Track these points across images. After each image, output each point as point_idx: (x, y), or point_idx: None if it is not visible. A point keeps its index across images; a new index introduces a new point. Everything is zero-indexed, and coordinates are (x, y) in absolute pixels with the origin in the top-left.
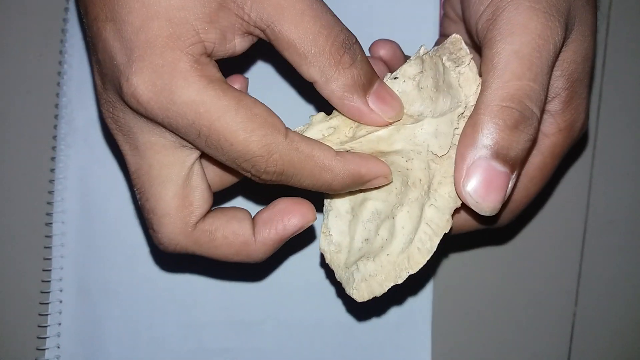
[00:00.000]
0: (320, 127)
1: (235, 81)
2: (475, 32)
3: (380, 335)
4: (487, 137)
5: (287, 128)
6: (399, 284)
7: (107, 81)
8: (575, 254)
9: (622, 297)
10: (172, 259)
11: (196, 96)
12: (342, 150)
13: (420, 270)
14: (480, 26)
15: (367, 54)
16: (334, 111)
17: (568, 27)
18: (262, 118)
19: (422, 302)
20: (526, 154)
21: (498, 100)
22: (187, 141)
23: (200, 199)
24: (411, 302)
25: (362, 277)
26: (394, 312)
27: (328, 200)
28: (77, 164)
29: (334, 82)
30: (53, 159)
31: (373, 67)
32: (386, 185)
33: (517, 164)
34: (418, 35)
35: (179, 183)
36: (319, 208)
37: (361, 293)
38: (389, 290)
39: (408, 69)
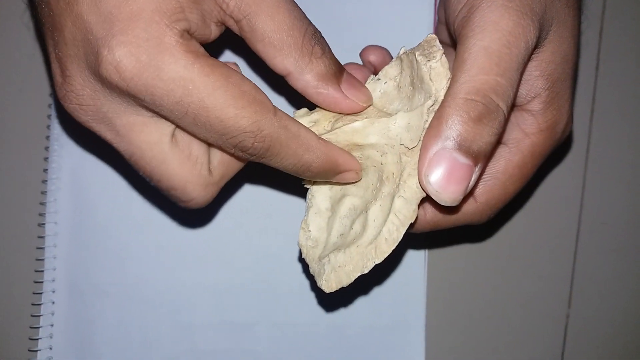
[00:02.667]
0: (302, 121)
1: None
2: (453, 31)
3: (374, 338)
4: (451, 129)
5: (274, 106)
6: (365, 274)
7: (74, 62)
8: (569, 255)
9: (615, 299)
10: (166, 259)
11: (184, 72)
12: None
13: (385, 259)
14: (457, 25)
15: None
16: (317, 107)
17: (544, 28)
18: (251, 95)
19: (415, 305)
20: (491, 148)
21: (463, 94)
22: (168, 119)
23: (198, 148)
24: (404, 304)
25: (332, 268)
26: (387, 314)
27: (310, 197)
28: (70, 164)
29: (308, 72)
30: (46, 159)
31: (363, 71)
32: (362, 181)
33: (480, 157)
34: (412, 39)
35: (177, 151)
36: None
37: (330, 284)
38: (383, 288)
39: (389, 70)
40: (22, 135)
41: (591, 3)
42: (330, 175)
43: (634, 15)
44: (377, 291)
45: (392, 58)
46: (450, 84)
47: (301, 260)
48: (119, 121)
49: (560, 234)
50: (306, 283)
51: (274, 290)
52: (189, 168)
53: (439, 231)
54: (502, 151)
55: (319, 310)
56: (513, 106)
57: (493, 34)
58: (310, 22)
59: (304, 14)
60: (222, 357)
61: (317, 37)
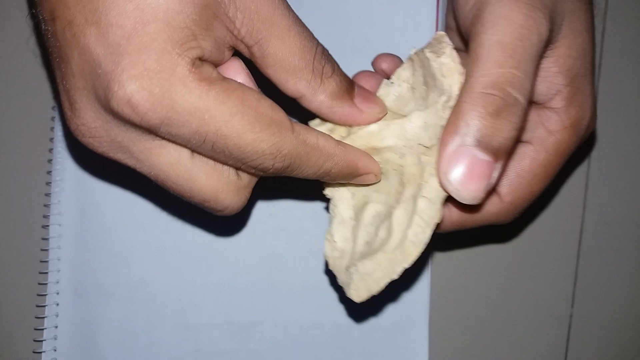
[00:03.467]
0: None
1: (230, 67)
2: (464, 32)
3: (378, 337)
4: (469, 125)
5: (291, 120)
6: (395, 280)
7: (83, 95)
8: (572, 255)
9: (618, 298)
10: (170, 259)
11: (199, 102)
12: None
13: (414, 263)
14: (468, 24)
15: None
16: None
17: (556, 22)
18: (268, 117)
19: (418, 304)
20: (511, 143)
21: (480, 88)
22: (185, 146)
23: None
24: (408, 304)
25: (360, 276)
26: (391, 314)
27: (332, 207)
28: (74, 166)
29: (321, 93)
30: (50, 161)
31: (376, 79)
32: (383, 186)
33: (501, 153)
34: (414, 40)
35: (200, 164)
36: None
37: (359, 293)
38: (387, 288)
39: (402, 73)
40: (26, 137)
41: (596, 1)
42: (349, 178)
43: (636, 15)
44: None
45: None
46: (465, 79)
47: (328, 272)
48: (136, 148)
49: (563, 233)
50: (310, 283)
51: (278, 291)
52: (216, 178)
53: (461, 231)
54: (526, 150)
55: (323, 310)
56: (531, 100)
57: (505, 28)
58: (318, 42)
59: (312, 34)
60: (227, 357)
61: (326, 56)
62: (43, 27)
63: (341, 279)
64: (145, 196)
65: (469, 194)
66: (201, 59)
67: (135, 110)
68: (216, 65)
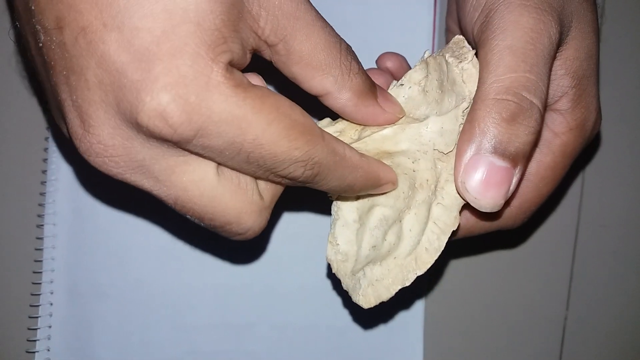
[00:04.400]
0: (327, 131)
1: (252, 79)
2: (472, 38)
3: (373, 339)
4: (484, 132)
5: (321, 129)
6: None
7: (100, 110)
8: (567, 257)
9: (613, 301)
10: (165, 260)
11: (237, 111)
12: None
13: (428, 270)
14: (476, 31)
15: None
16: (339, 117)
17: (565, 24)
18: (301, 124)
19: (414, 306)
20: (529, 147)
21: (493, 94)
22: (213, 159)
23: (244, 177)
24: (403, 306)
25: (369, 282)
26: (386, 316)
27: (335, 209)
28: (69, 166)
29: (348, 90)
30: (45, 160)
31: (385, 78)
32: (393, 190)
33: (519, 158)
34: (412, 40)
35: (226, 183)
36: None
37: (367, 299)
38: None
39: (413, 75)
40: (21, 136)
41: None
42: (371, 189)
43: (634, 16)
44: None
45: (408, 64)
46: (477, 86)
47: (331, 275)
48: (158, 166)
49: (558, 236)
50: (306, 284)
51: (273, 292)
52: (241, 197)
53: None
54: (533, 153)
55: (319, 312)
56: (547, 101)
57: (515, 33)
58: (341, 37)
59: (334, 29)
60: (222, 358)
61: (350, 52)
62: (42, 38)
63: (346, 284)
64: (140, 197)
65: (488, 202)
66: (231, 64)
67: (169, 123)
68: (240, 69)
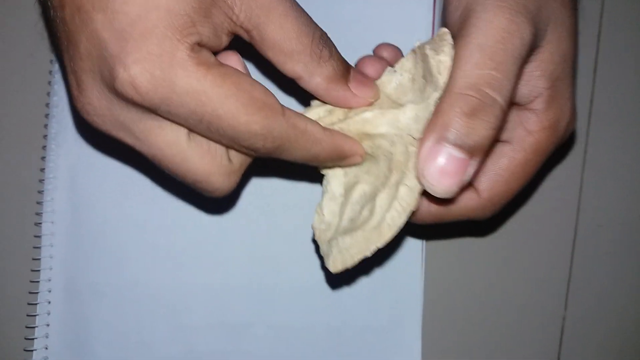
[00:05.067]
0: (317, 110)
1: (229, 59)
2: (453, 37)
3: (371, 338)
4: (445, 123)
5: (282, 105)
6: (368, 257)
7: (89, 76)
8: (565, 257)
9: (611, 301)
10: (163, 259)
11: (197, 85)
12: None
13: (385, 244)
14: (456, 30)
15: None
16: None
17: (540, 27)
18: (260, 100)
19: (411, 306)
20: (488, 142)
21: (457, 89)
22: (182, 125)
23: (213, 142)
24: (401, 306)
25: (339, 250)
26: (384, 315)
27: (325, 183)
28: (68, 163)
29: (318, 75)
30: (43, 158)
31: (381, 64)
32: (374, 169)
33: (476, 151)
34: (410, 39)
35: (195, 146)
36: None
37: (335, 264)
38: (380, 290)
39: (405, 63)
40: (20, 134)
41: (589, 4)
42: (337, 161)
43: (632, 17)
44: (373, 292)
45: (403, 55)
46: (448, 80)
47: (313, 241)
48: (137, 127)
49: (557, 236)
50: (303, 284)
51: (270, 292)
52: (209, 160)
53: (440, 227)
54: (505, 149)
55: (316, 312)
56: (512, 100)
57: (487, 32)
58: (317, 26)
59: (310, 19)
60: (219, 358)
61: (324, 41)
62: (52, 13)
63: (323, 250)
64: (139, 196)
65: (442, 189)
66: (200, 45)
67: (137, 91)
68: (215, 50)
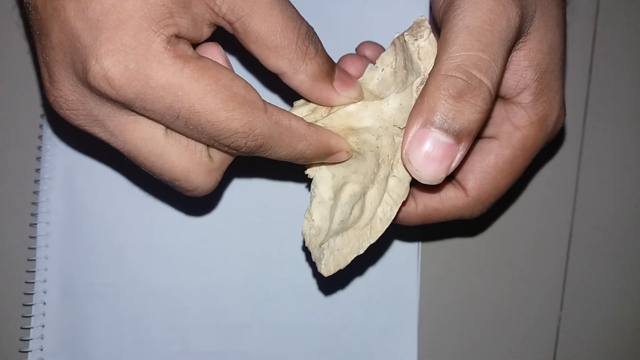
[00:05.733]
0: (300, 110)
1: (209, 51)
2: (438, 23)
3: (367, 339)
4: (431, 107)
5: (265, 101)
6: (361, 254)
7: (61, 68)
8: (561, 258)
9: (607, 302)
10: (159, 260)
11: (173, 79)
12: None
13: (379, 238)
14: (441, 14)
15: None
16: None
17: (527, 12)
18: (241, 96)
19: (408, 306)
20: (475, 126)
21: (444, 71)
22: (159, 122)
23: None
24: (397, 306)
25: (330, 252)
26: (380, 316)
27: (313, 187)
28: (63, 164)
29: (302, 73)
30: (39, 159)
31: (362, 62)
32: (361, 167)
33: (463, 135)
34: None
35: (173, 142)
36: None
37: (328, 267)
38: (377, 291)
39: (385, 57)
40: (15, 135)
41: (584, 3)
42: (323, 158)
43: (627, 16)
44: (370, 292)
45: None
46: (434, 63)
47: (304, 249)
48: (111, 123)
49: (552, 237)
50: (299, 284)
51: (267, 292)
52: (188, 157)
53: (435, 228)
54: (492, 145)
55: (312, 312)
56: (500, 84)
57: (474, 13)
58: (304, 21)
59: (297, 12)
60: (215, 358)
61: (310, 36)
62: (25, 0)
63: (314, 255)
64: (134, 196)
65: (428, 174)
66: (178, 36)
67: (111, 85)
68: (195, 41)
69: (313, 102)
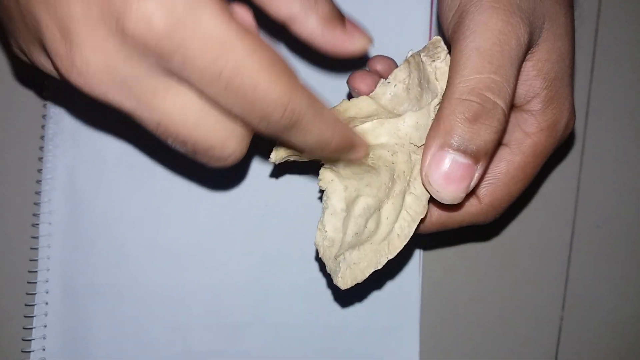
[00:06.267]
0: None
1: (239, 15)
2: (448, 39)
3: (368, 339)
4: (448, 130)
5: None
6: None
7: (82, 23)
8: (563, 258)
9: (609, 301)
10: (161, 260)
11: (222, 31)
12: None
13: (397, 254)
14: (450, 31)
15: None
16: None
17: (536, 26)
18: (284, 64)
19: (409, 306)
20: (492, 146)
21: (458, 94)
22: (193, 84)
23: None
24: (399, 306)
25: (347, 265)
26: (381, 316)
27: (325, 198)
28: (65, 164)
29: (314, 14)
30: (40, 159)
31: (373, 78)
32: (375, 181)
33: (480, 156)
34: (409, 40)
35: (208, 109)
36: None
37: (345, 280)
38: (378, 291)
39: (398, 73)
40: (17, 135)
41: (586, 4)
42: (345, 151)
43: (629, 16)
44: (371, 293)
45: (396, 65)
46: (446, 85)
47: (318, 259)
48: (140, 87)
49: (554, 236)
50: (301, 284)
51: (268, 292)
52: (224, 124)
53: (443, 232)
54: (503, 152)
55: (314, 312)
56: (512, 103)
57: (483, 34)
58: None
59: None
60: (216, 358)
61: None
62: None
63: (329, 267)
64: (136, 196)
65: (448, 195)
66: None
67: (153, 31)
68: None
69: (326, 52)
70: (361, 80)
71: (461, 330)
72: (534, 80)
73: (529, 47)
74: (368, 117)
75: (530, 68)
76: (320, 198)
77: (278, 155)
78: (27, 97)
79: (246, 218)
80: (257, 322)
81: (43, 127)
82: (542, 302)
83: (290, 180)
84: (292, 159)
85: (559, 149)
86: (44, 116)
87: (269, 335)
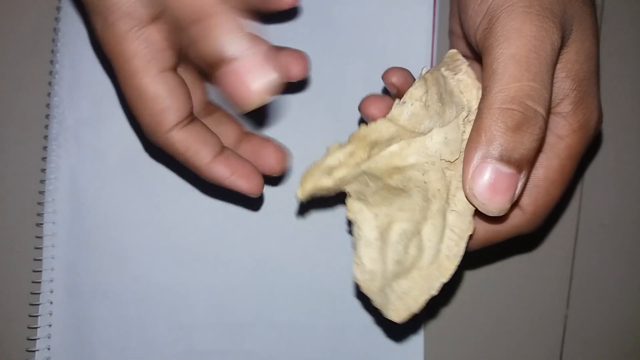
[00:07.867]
0: (337, 155)
1: None
2: (475, 44)
3: (372, 338)
4: (490, 140)
5: None
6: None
7: None
8: (567, 256)
9: (613, 299)
10: (164, 259)
11: None
12: (358, 171)
13: (451, 276)
14: (479, 37)
15: (364, 66)
16: (348, 138)
17: (566, 28)
18: None
19: None
20: (534, 153)
21: (499, 104)
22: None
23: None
24: None
25: (397, 296)
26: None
27: (356, 229)
28: (69, 164)
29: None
30: (44, 159)
31: (385, 102)
32: (407, 204)
33: (524, 164)
34: (410, 41)
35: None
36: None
37: (398, 312)
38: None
39: (414, 92)
40: (20, 135)
41: None
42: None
43: (632, 15)
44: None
45: (413, 78)
46: (482, 95)
47: (361, 295)
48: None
49: (558, 234)
50: (305, 283)
51: (272, 291)
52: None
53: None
54: (539, 159)
55: (318, 311)
56: (550, 109)
57: (518, 41)
58: None
59: None
60: (220, 357)
61: None
62: None
63: (377, 301)
64: (140, 196)
65: (495, 206)
66: None
67: None
68: None
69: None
70: (374, 105)
71: (465, 328)
72: (563, 82)
73: (560, 50)
74: (391, 140)
75: (559, 70)
76: (350, 231)
77: (304, 191)
78: (31, 96)
79: (249, 217)
80: (261, 322)
81: (46, 127)
82: (547, 300)
83: (292, 180)
84: (318, 194)
85: None
86: (47, 116)
87: (273, 334)
